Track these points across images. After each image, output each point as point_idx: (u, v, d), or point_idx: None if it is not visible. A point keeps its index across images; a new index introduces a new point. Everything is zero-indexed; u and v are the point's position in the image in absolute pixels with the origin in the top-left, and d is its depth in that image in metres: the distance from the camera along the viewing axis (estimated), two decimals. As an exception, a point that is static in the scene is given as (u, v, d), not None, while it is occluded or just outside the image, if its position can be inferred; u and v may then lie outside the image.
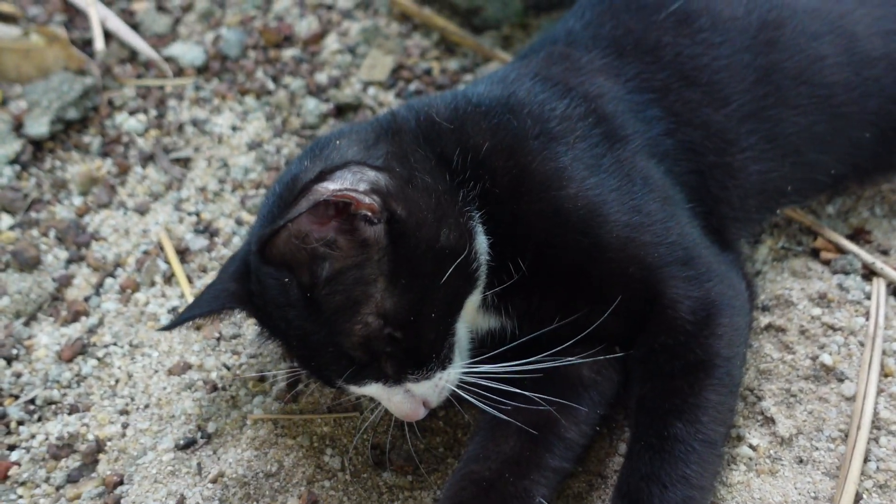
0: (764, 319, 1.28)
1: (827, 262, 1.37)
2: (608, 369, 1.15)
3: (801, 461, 1.12)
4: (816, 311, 1.29)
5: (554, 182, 1.08)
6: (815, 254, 1.39)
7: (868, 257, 1.34)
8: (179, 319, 1.18)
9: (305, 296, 0.98)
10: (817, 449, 1.13)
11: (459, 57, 1.86)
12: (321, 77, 1.85)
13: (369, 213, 0.96)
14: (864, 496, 1.07)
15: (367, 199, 0.95)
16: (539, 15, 1.91)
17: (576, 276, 1.10)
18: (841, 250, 1.38)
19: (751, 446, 1.13)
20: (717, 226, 1.21)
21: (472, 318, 1.12)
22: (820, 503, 1.07)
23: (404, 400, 1.05)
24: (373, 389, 1.05)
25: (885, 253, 1.37)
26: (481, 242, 1.07)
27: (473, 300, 1.08)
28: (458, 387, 1.08)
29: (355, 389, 1.06)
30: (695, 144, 1.20)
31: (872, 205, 1.46)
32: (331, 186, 0.94)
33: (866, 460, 1.10)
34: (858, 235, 1.41)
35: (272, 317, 1.05)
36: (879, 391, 1.18)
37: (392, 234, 0.98)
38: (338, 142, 1.08)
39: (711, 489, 1.05)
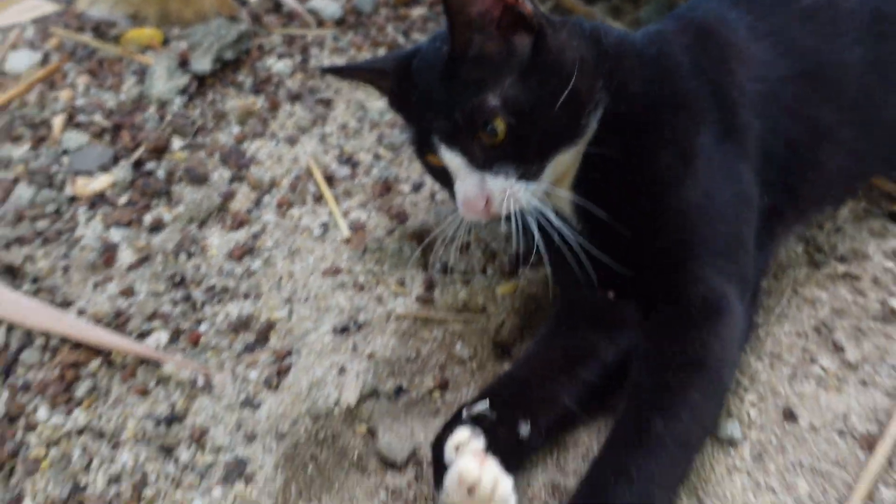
0: (841, 268, 1.46)
1: (903, 225, 1.54)
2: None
3: (864, 383, 1.31)
4: (889, 263, 1.46)
5: (659, 141, 1.18)
6: (894, 217, 1.56)
7: (941, 221, 1.50)
8: (346, 67, 1.45)
9: (451, 59, 1.13)
10: (879, 374, 1.31)
11: (572, 23, 2.04)
12: (446, 35, 2.06)
13: (525, 13, 1.11)
14: (919, 413, 1.25)
15: (529, 5, 1.11)
16: (647, -11, 2.08)
17: (637, 218, 1.17)
18: (917, 215, 1.54)
19: (821, 367, 1.32)
20: (774, 220, 1.28)
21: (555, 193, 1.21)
22: (878, 414, 1.26)
23: (474, 185, 1.14)
24: (457, 161, 1.15)
25: (958, 220, 1.53)
26: (594, 121, 1.18)
27: (563, 158, 1.17)
28: (524, 216, 1.16)
29: (444, 153, 1.16)
30: (793, 139, 1.26)
31: (949, 178, 1.61)
32: None
33: (923, 385, 1.28)
34: (935, 203, 1.56)
35: (414, 82, 1.19)
36: (940, 332, 1.35)
37: (537, 46, 1.12)
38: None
39: (675, 491, 1.09)
